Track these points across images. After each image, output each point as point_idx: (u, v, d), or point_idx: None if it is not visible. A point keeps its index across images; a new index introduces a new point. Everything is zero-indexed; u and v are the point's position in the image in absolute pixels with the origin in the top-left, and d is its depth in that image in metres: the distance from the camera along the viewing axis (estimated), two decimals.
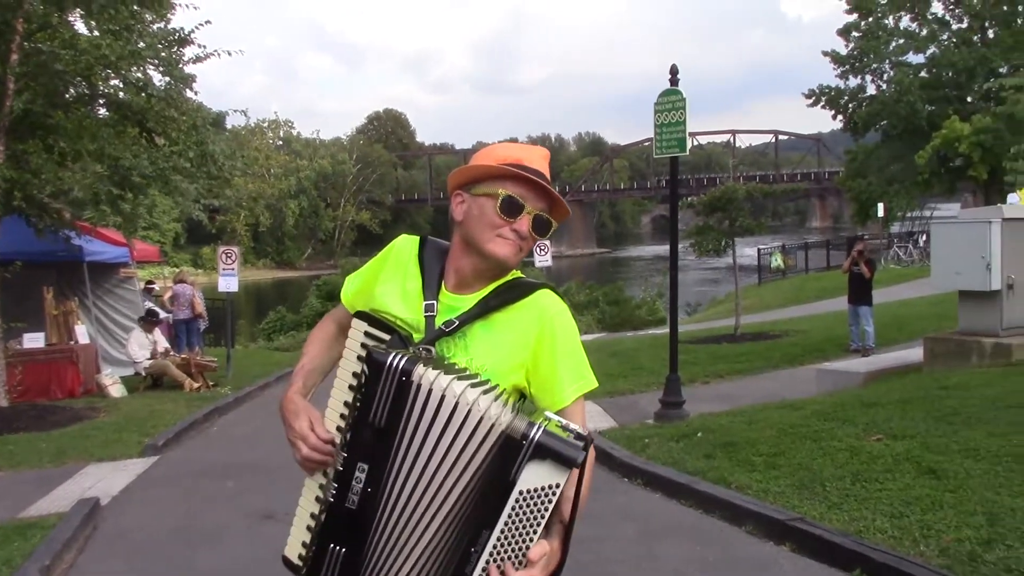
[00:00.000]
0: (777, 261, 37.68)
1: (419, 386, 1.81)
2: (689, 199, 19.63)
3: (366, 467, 1.85)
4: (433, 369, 1.83)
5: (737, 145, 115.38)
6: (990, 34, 28.68)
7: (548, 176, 2.12)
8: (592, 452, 1.89)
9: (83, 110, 12.26)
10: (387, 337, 1.98)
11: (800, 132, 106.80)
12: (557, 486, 1.75)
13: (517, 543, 1.77)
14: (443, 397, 1.79)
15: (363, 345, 1.98)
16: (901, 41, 29.82)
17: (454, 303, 2.09)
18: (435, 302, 2.07)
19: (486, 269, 2.10)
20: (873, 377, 10.44)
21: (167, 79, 12.52)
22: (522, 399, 2.10)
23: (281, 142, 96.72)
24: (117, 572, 6.08)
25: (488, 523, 1.77)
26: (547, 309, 2.11)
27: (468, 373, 1.92)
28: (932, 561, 4.79)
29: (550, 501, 1.75)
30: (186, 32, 12.48)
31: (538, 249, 18.77)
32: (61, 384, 13.44)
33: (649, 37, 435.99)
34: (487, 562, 1.77)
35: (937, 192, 30.11)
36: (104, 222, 13.01)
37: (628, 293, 38.94)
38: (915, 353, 11.18)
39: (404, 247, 2.22)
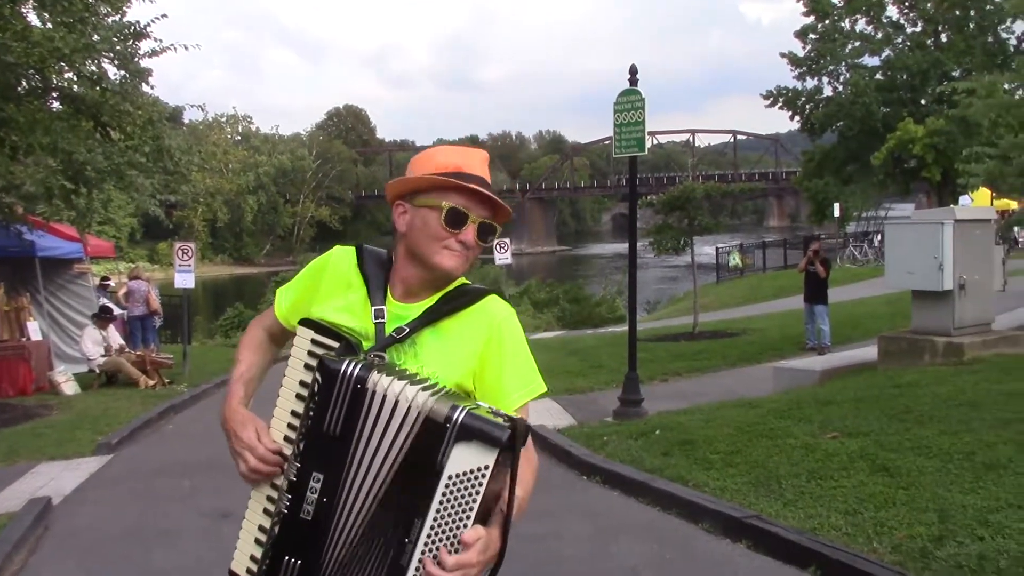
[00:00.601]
0: (735, 260, 38.02)
1: (374, 393, 1.81)
2: (648, 198, 19.73)
3: (321, 476, 1.83)
4: (387, 375, 1.82)
5: (696, 144, 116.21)
6: (943, 38, 29.15)
7: (488, 179, 2.11)
8: (530, 442, 1.91)
9: (36, 103, 12.02)
10: (335, 345, 1.96)
11: (758, 132, 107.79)
12: (486, 467, 1.73)
13: (451, 529, 1.75)
14: (396, 402, 1.79)
15: (311, 353, 1.95)
16: (857, 44, 30.20)
17: (402, 311, 2.07)
18: (383, 307, 2.06)
19: (433, 279, 2.09)
20: (828, 375, 10.56)
21: (122, 73, 12.33)
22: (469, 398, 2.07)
23: (240, 137, 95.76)
24: (69, 573, 6.00)
25: (420, 512, 1.74)
26: (495, 316, 2.10)
27: (420, 378, 1.90)
28: (885, 558, 4.85)
29: (480, 484, 1.74)
30: (142, 26, 12.28)
31: (498, 247, 18.81)
32: (13, 381, 13.21)
33: (610, 36, 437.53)
34: (422, 552, 1.75)
35: (892, 192, 30.57)
36: (57, 217, 12.79)
37: (588, 291, 39.10)
38: (869, 352, 11.33)
39: (341, 260, 2.19)
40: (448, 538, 1.75)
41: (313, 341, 1.98)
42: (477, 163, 2.10)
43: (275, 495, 1.92)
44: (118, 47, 11.94)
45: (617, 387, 10.72)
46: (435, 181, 2.04)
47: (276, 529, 1.89)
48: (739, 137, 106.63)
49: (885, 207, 33.26)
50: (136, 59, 12.26)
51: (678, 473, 7.01)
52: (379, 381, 1.81)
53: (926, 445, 6.71)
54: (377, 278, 2.11)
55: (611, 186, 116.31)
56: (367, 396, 1.81)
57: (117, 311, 16.28)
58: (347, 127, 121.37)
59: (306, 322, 2.02)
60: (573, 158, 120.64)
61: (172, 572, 5.79)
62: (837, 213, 30.24)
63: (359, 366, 1.83)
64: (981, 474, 5.95)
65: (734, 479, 6.64)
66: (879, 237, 32.16)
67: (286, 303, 2.24)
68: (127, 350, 15.04)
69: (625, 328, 14.23)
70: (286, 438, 1.93)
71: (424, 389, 1.81)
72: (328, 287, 2.15)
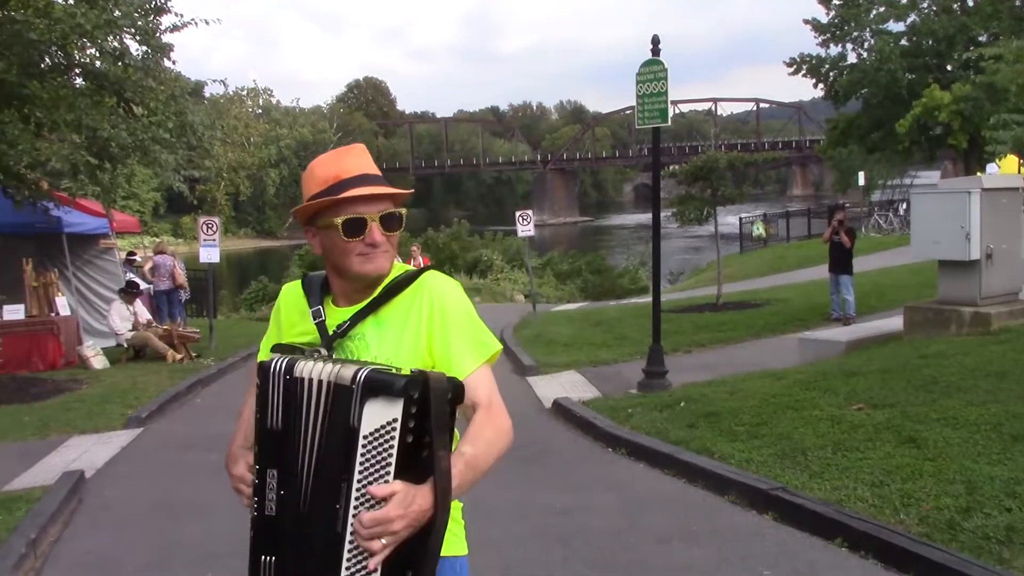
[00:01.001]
0: (759, 230, 37.82)
1: (301, 379, 1.86)
2: (671, 168, 19.62)
3: (275, 472, 1.87)
4: (314, 360, 1.88)
5: (719, 113, 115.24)
6: (970, 2, 28.65)
7: (373, 171, 2.14)
8: (500, 407, 2.07)
9: (59, 80, 12.09)
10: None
11: (781, 100, 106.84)
12: (395, 420, 1.75)
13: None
14: (318, 382, 1.85)
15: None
16: (882, 9, 29.70)
17: (346, 314, 2.13)
18: (320, 307, 2.15)
19: (366, 285, 2.14)
20: (854, 346, 10.51)
21: (144, 48, 12.36)
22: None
23: (260, 111, 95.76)
24: (103, 545, 6.08)
25: (346, 476, 1.78)
26: (432, 288, 2.13)
27: (356, 360, 1.96)
28: (912, 529, 4.86)
29: (392, 438, 1.75)
30: (162, 1, 12.30)
31: (521, 219, 18.75)
32: (42, 356, 13.36)
33: (631, 5, 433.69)
34: (352, 515, 1.77)
35: (918, 160, 30.23)
36: (82, 192, 12.87)
37: (611, 262, 39.06)
38: (895, 322, 11.26)
39: (289, 294, 2.30)
40: (371, 497, 1.77)
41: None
42: (353, 162, 2.13)
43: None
44: (139, 22, 11.95)
45: (641, 359, 10.73)
46: (320, 204, 2.09)
47: (251, 532, 1.93)
48: (762, 105, 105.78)
49: (910, 175, 33.00)
50: (157, 34, 12.27)
51: (703, 445, 7.03)
52: (304, 367, 1.86)
53: (953, 416, 6.68)
54: (316, 292, 2.19)
55: (633, 156, 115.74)
56: (296, 384, 1.86)
57: (143, 286, 16.39)
58: (368, 99, 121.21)
59: (275, 347, 2.12)
60: (594, 128, 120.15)
61: (203, 544, 5.86)
62: (862, 182, 29.98)
63: (286, 359, 1.89)
64: (1008, 445, 5.92)
65: (760, 451, 6.65)
66: (904, 206, 31.84)
67: (265, 350, 2.28)
68: (154, 324, 15.17)
69: (648, 299, 14.21)
70: None
71: (345, 365, 1.85)
72: (287, 320, 2.25)
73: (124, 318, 14.47)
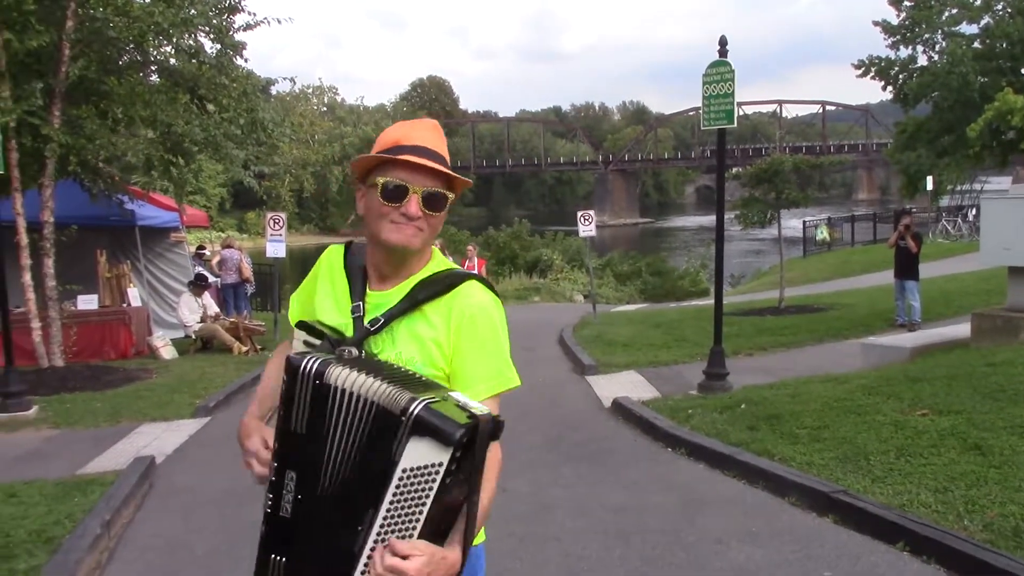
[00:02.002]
0: (822, 234, 37.33)
1: (334, 387, 1.79)
2: (735, 170, 19.49)
3: (294, 475, 1.83)
4: (349, 368, 1.80)
5: (783, 115, 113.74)
6: None
7: (436, 149, 2.08)
8: (497, 449, 1.90)
9: (135, 77, 12.43)
10: (319, 343, 1.99)
11: (848, 103, 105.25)
12: (439, 465, 1.69)
13: (403, 522, 1.72)
14: (354, 394, 1.77)
15: (310, 345, 2.00)
16: (954, 11, 29.10)
17: (380, 300, 2.09)
18: (361, 303, 2.08)
19: (394, 259, 2.09)
20: (919, 352, 10.36)
21: (218, 46, 12.65)
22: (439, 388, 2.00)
23: (325, 108, 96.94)
24: (173, 528, 6.27)
25: (374, 502, 1.73)
26: (470, 302, 2.08)
27: (391, 366, 1.92)
28: (976, 536, 4.82)
29: (433, 481, 1.69)
30: (236, 0, 12.57)
31: (582, 219, 18.78)
32: (114, 345, 13.75)
33: (694, 4, 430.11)
34: (374, 542, 1.73)
35: (988, 165, 29.55)
36: (154, 186, 13.22)
37: (671, 264, 38.87)
38: (962, 329, 11.07)
39: (331, 258, 2.24)
40: (399, 531, 1.73)
41: (305, 343, 2.03)
42: (419, 134, 2.09)
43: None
44: (214, 21, 12.24)
45: (701, 360, 10.71)
46: (372, 159, 2.07)
47: (263, 527, 1.89)
48: (828, 108, 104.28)
49: (981, 180, 32.25)
50: (231, 32, 12.55)
51: (764, 447, 7.01)
52: (338, 374, 1.79)
53: (1020, 424, 6.57)
54: (356, 272, 2.15)
55: (695, 157, 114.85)
56: (328, 391, 1.79)
57: (211, 279, 16.75)
58: (431, 98, 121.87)
59: (300, 324, 2.09)
60: (657, 129, 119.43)
61: None
62: (930, 186, 29.36)
63: (319, 361, 1.81)
64: None
65: (821, 454, 6.62)
66: (974, 211, 31.20)
67: (295, 311, 2.27)
68: (221, 317, 15.50)
69: (708, 302, 14.16)
70: None
71: (386, 379, 1.79)
72: (322, 285, 2.20)
73: (193, 310, 14.82)
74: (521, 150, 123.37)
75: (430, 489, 1.70)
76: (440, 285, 2.08)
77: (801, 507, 5.93)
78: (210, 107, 12.79)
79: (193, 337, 14.73)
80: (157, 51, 12.53)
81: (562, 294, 30.59)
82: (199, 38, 12.42)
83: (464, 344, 2.05)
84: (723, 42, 9.66)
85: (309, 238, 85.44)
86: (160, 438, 8.87)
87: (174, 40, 11.88)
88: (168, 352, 14.00)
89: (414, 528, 1.72)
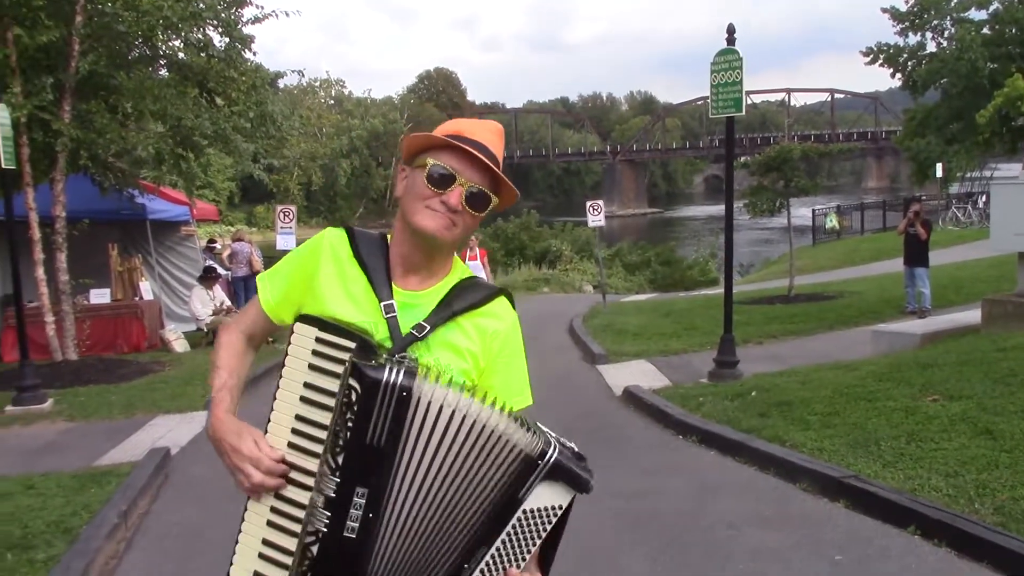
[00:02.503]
0: (832, 222, 37.24)
1: (419, 400, 1.69)
2: (743, 159, 19.49)
3: (365, 491, 1.70)
4: (432, 383, 1.72)
5: (792, 104, 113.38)
6: None
7: (495, 152, 1.99)
8: None
9: (145, 71, 12.48)
10: (346, 343, 1.78)
11: (857, 91, 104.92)
12: (559, 507, 1.72)
13: (510, 561, 1.73)
14: (453, 413, 1.71)
15: (318, 353, 1.79)
16: None
17: (409, 300, 1.97)
18: (392, 302, 1.94)
19: (422, 249, 1.98)
20: (929, 339, 10.36)
21: (226, 40, 12.69)
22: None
23: (333, 101, 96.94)
24: (189, 518, 6.33)
25: (486, 540, 1.72)
26: (504, 321, 2.04)
27: (460, 382, 1.82)
28: (987, 519, 4.84)
29: (548, 522, 1.72)
30: None
31: (591, 209, 18.78)
32: (127, 339, 13.85)
33: None
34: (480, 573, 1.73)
35: (998, 152, 29.47)
36: (164, 180, 13.30)
37: (680, 253, 38.84)
38: (972, 315, 11.07)
39: (334, 242, 2.05)
40: (505, 564, 1.74)
41: (319, 340, 1.80)
42: (482, 131, 2.00)
43: (280, 506, 1.79)
44: (222, 14, 12.28)
45: (711, 349, 10.73)
46: (428, 140, 1.98)
47: (315, 549, 1.74)
48: (837, 96, 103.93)
49: (990, 167, 32.17)
50: (239, 26, 12.59)
51: (775, 433, 7.05)
52: (425, 388, 1.70)
53: None
54: (377, 264, 2.00)
55: (704, 147, 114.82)
56: (413, 404, 1.69)
57: (222, 272, 16.82)
58: (438, 90, 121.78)
59: (306, 319, 1.85)
60: (665, 119, 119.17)
61: None
62: (940, 173, 29.30)
63: (402, 372, 1.70)
64: None
65: (832, 440, 6.65)
66: (984, 198, 31.11)
67: (274, 294, 2.07)
68: (233, 310, 15.57)
69: (717, 291, 14.18)
70: (291, 445, 1.79)
71: (484, 401, 1.74)
72: (328, 273, 2.00)
73: (204, 303, 14.89)
74: (529, 141, 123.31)
75: (544, 530, 1.72)
76: (475, 297, 2.01)
77: (812, 492, 5.96)
78: (219, 101, 12.83)
79: (205, 330, 14.81)
80: (166, 45, 12.59)
81: (571, 284, 30.61)
82: (208, 32, 12.47)
83: (498, 362, 2.01)
84: (731, 30, 9.66)
85: (317, 231, 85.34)
86: (174, 430, 8.94)
87: (183, 34, 11.93)
88: (180, 345, 14.08)
89: (520, 563, 1.74)
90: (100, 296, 13.90)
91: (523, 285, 29.13)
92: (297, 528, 1.76)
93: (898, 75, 30.76)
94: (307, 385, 1.78)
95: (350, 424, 1.70)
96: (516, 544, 1.72)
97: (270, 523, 1.80)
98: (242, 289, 17.72)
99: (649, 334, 13.86)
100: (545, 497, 1.71)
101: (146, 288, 14.63)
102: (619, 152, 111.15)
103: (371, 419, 1.69)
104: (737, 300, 13.62)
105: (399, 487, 1.71)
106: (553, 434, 1.80)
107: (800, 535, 5.21)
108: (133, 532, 6.03)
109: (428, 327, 1.91)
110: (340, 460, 1.71)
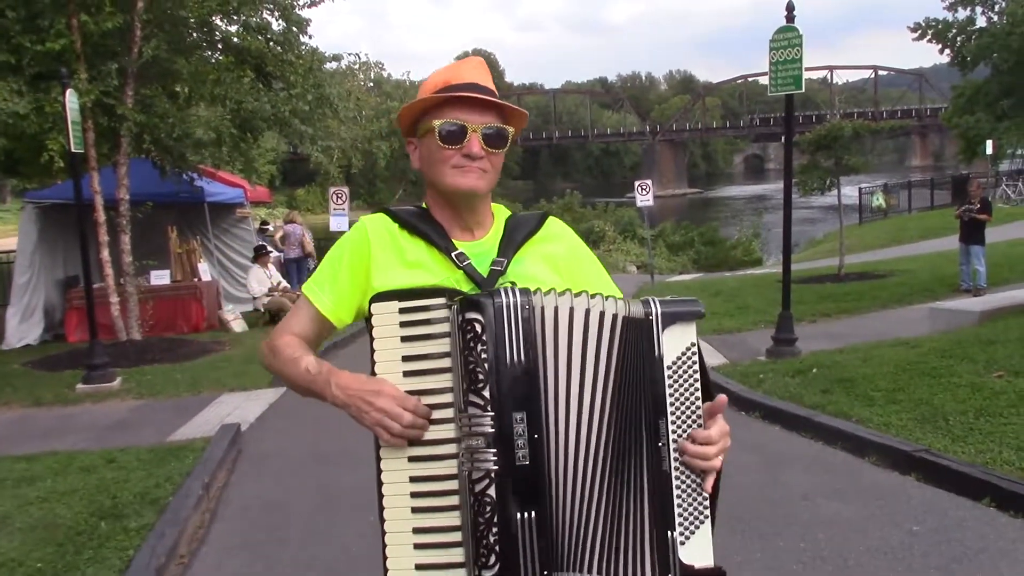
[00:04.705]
0: (878, 200, 36.89)
1: (543, 311, 1.67)
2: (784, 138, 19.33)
3: (523, 415, 1.64)
4: (543, 293, 1.69)
5: (834, 82, 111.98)
6: None
7: (486, 83, 1.95)
8: None
9: (203, 55, 12.68)
10: (433, 301, 1.72)
11: (901, 67, 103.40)
12: (693, 344, 1.72)
13: (690, 416, 1.72)
14: (571, 311, 1.69)
15: (406, 323, 1.74)
16: None
17: (475, 248, 1.94)
18: (462, 251, 1.91)
19: (465, 207, 1.95)
20: (988, 316, 10.31)
21: (283, 23, 12.84)
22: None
23: (372, 84, 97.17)
24: (268, 488, 6.53)
25: (660, 411, 1.70)
26: (563, 235, 2.06)
27: (564, 289, 1.76)
28: None
29: (694, 361, 1.73)
30: None
31: (639, 189, 18.81)
32: (187, 319, 14.12)
33: None
34: (674, 447, 1.70)
35: None
36: (224, 163, 13.51)
37: (722, 234, 38.71)
38: None
39: (377, 226, 1.98)
40: (690, 424, 1.72)
41: (402, 310, 1.74)
42: (467, 71, 1.96)
43: (421, 452, 1.72)
44: None
45: (765, 327, 10.77)
46: (424, 102, 1.93)
47: (491, 491, 1.63)
48: (880, 73, 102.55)
49: None
50: (296, 9, 12.73)
51: (840, 409, 7.10)
52: (540, 298, 1.68)
53: None
54: (430, 226, 1.96)
55: (744, 127, 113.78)
56: (539, 317, 1.67)
57: (275, 254, 17.06)
58: None
59: (381, 296, 1.78)
60: (704, 98, 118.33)
61: (359, 491, 6.23)
62: (990, 150, 28.91)
63: (516, 291, 1.67)
64: None
65: (898, 415, 6.70)
66: None
67: (329, 297, 2.00)
68: (290, 290, 15.81)
69: (764, 271, 14.13)
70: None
71: (589, 295, 1.73)
72: (381, 259, 1.94)
73: (261, 282, 15.13)
74: (567, 122, 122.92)
75: (695, 371, 1.73)
76: (529, 226, 2.01)
77: (882, 466, 6.02)
78: (275, 84, 13.00)
79: (262, 310, 15.06)
80: (222, 31, 12.76)
81: (615, 265, 30.65)
82: (265, 16, 12.62)
83: (578, 273, 2.01)
84: (790, 7, 9.63)
85: (357, 213, 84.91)
86: (241, 407, 9.15)
87: (242, 18, 12.09)
88: (239, 325, 14.34)
89: (698, 415, 1.73)
90: (160, 277, 14.18)
91: None
92: (451, 481, 1.69)
93: (946, 51, 30.33)
94: (407, 358, 1.74)
95: (484, 355, 1.63)
96: (684, 397, 1.72)
97: (412, 477, 1.72)
98: (295, 271, 17.96)
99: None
100: (675, 343, 1.71)
101: (204, 269, 14.90)
102: (658, 132, 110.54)
103: (506, 342, 1.64)
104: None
105: (553, 400, 1.67)
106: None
107: (875, 507, 5.28)
108: (216, 503, 6.23)
109: (505, 261, 1.90)
110: (487, 393, 1.63)
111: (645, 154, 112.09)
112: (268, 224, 20.18)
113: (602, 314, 1.70)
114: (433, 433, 1.71)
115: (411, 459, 1.73)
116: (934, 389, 7.17)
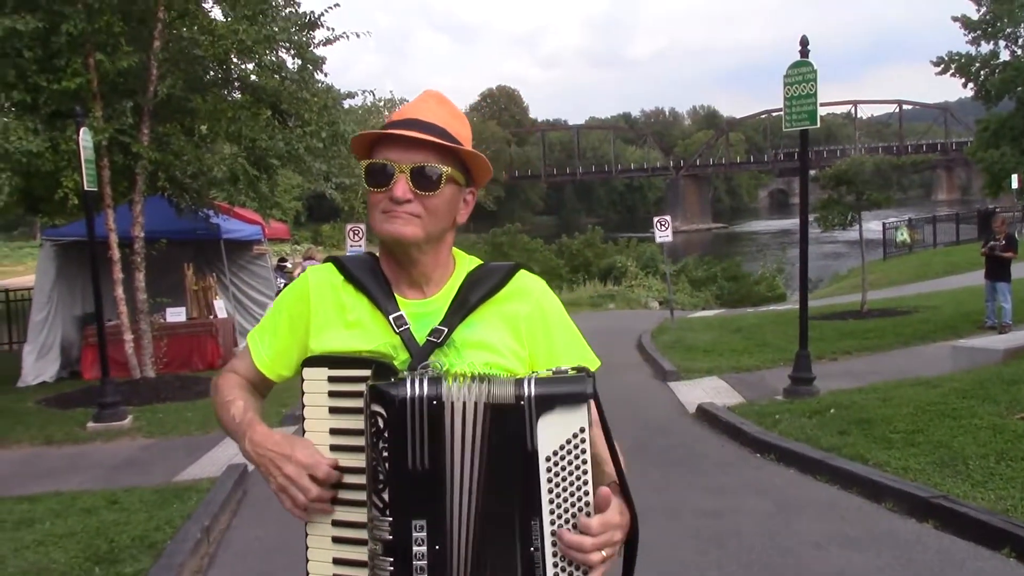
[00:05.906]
0: (903, 235, 36.56)
1: (453, 407, 1.49)
2: (812, 172, 19.21)
3: (424, 523, 1.49)
4: (460, 384, 1.51)
5: (858, 116, 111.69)
6: None
7: (432, 120, 1.73)
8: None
9: (219, 94, 12.73)
10: (360, 372, 1.60)
11: (926, 101, 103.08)
12: (582, 430, 1.47)
13: (576, 513, 1.49)
14: (471, 406, 1.49)
15: (334, 393, 1.63)
16: None
17: (420, 309, 1.76)
18: (401, 313, 1.73)
19: (402, 258, 1.76)
20: (1013, 354, 10.07)
21: (298, 61, 12.89)
22: None
23: None
24: (271, 533, 6.39)
25: (534, 510, 1.48)
26: (531, 292, 1.83)
27: (487, 372, 1.59)
28: None
29: (583, 451, 1.47)
30: (316, 16, 12.80)
31: (659, 224, 18.68)
32: (202, 356, 14.08)
33: (763, 6, 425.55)
34: (552, 552, 1.49)
35: None
36: (239, 200, 13.54)
37: (746, 269, 38.48)
38: None
39: (322, 281, 1.83)
40: (573, 519, 1.49)
41: (331, 379, 1.63)
42: (417, 107, 1.77)
43: (342, 516, 1.61)
44: (295, 37, 12.47)
45: (784, 365, 10.59)
46: (362, 141, 1.76)
47: None
48: (905, 107, 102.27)
49: None
50: (311, 48, 12.78)
51: (857, 452, 6.92)
52: (458, 394, 1.49)
53: None
54: (374, 281, 1.78)
55: (768, 161, 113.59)
56: (448, 414, 1.49)
57: None
58: (500, 108, 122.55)
59: (313, 360, 1.67)
60: (728, 133, 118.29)
61: None
62: (1015, 184, 28.66)
63: (425, 381, 1.49)
64: None
65: (917, 459, 6.51)
66: None
67: (267, 351, 1.88)
68: None
69: (786, 307, 13.97)
70: (336, 500, 1.62)
71: (491, 380, 1.52)
72: (320, 313, 1.80)
73: None
74: (591, 157, 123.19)
75: (584, 462, 1.48)
76: (490, 283, 1.79)
77: (899, 512, 5.83)
78: (290, 122, 13.03)
79: None
80: (238, 68, 12.82)
81: (637, 300, 30.49)
82: (280, 54, 12.67)
83: (541, 336, 1.80)
84: (804, 42, 9.55)
85: (375, 248, 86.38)
86: None
87: (257, 57, 12.14)
88: None
89: (585, 509, 1.49)
90: (176, 315, 14.17)
91: (588, 302, 29.08)
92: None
93: (970, 85, 30.19)
94: (335, 431, 1.62)
95: (386, 454, 1.49)
96: (568, 492, 1.48)
97: (334, 538, 1.62)
98: None
99: (720, 350, 13.72)
100: (556, 432, 1.47)
101: (220, 306, 14.89)
102: (682, 167, 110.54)
103: (407, 442, 1.48)
104: (809, 315, 13.42)
105: (456, 505, 1.50)
106: (546, 371, 1.55)
107: (890, 556, 5.09)
108: (216, 547, 6.12)
109: (446, 329, 1.70)
110: (386, 496, 1.49)
111: (669, 189, 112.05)
112: (287, 260, 20.20)
113: (475, 406, 1.49)
114: (353, 515, 1.59)
115: (335, 523, 1.62)
116: (954, 431, 6.97)
